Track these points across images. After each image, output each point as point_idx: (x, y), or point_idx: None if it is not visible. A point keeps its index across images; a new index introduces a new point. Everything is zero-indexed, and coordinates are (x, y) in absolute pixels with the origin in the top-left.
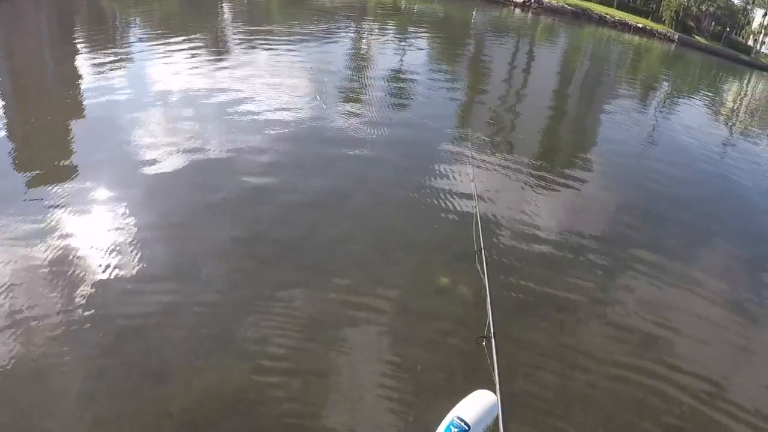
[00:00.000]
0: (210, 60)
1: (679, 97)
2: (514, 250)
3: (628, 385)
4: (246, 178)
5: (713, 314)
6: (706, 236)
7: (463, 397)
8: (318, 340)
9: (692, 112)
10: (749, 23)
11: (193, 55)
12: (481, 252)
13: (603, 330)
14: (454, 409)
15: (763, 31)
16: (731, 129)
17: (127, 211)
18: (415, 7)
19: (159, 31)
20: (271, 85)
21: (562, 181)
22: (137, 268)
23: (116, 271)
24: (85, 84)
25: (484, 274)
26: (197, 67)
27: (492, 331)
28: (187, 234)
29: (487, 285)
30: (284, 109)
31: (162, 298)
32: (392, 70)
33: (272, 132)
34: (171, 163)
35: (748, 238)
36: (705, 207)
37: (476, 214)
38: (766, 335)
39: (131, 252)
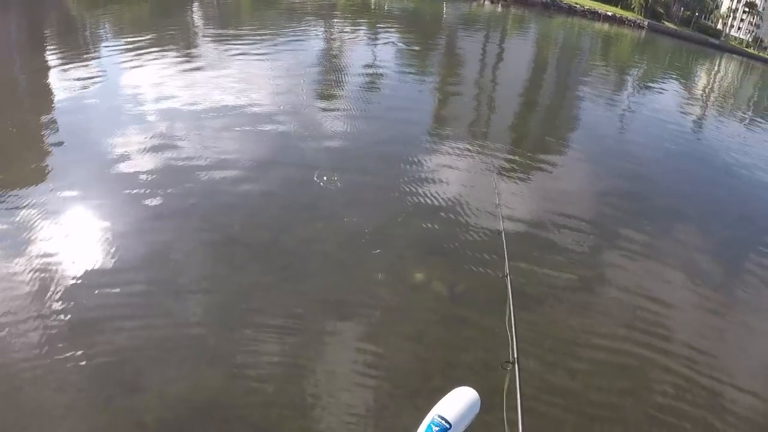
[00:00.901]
0: (181, 63)
1: (652, 83)
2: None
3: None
4: (217, 182)
5: (702, 293)
6: (695, 219)
7: (444, 394)
8: (292, 344)
9: (666, 96)
10: (718, 7)
11: (164, 58)
12: (507, 277)
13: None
14: (435, 407)
15: (731, 14)
16: (704, 111)
17: (97, 219)
18: (386, 4)
19: (129, 35)
20: (242, 86)
21: (544, 167)
22: (107, 277)
23: (85, 280)
24: (54, 90)
25: (509, 300)
26: (168, 70)
27: (516, 356)
28: (157, 242)
29: (512, 310)
30: (256, 111)
31: (133, 308)
32: (364, 67)
33: (243, 134)
34: (140, 168)
35: (728, 222)
36: (684, 193)
37: (503, 238)
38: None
39: (100, 260)
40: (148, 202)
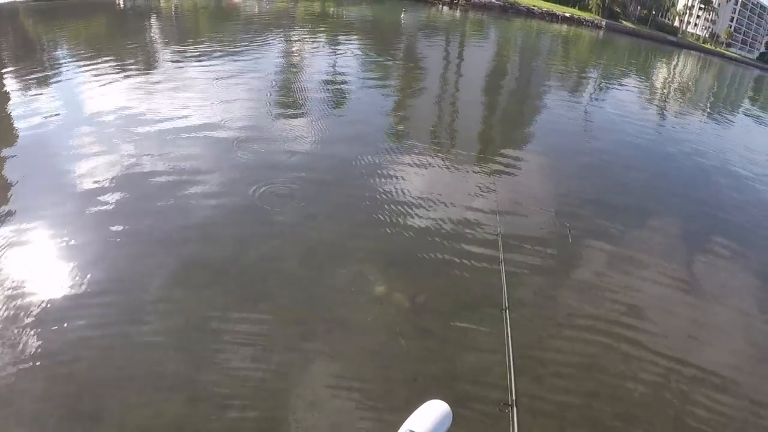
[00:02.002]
0: (139, 78)
1: (612, 81)
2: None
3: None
4: (174, 200)
5: (668, 290)
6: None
7: (412, 408)
8: (253, 366)
9: (626, 93)
10: (674, 5)
11: (122, 74)
12: (506, 311)
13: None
14: (406, 422)
15: (688, 11)
16: (664, 107)
17: (49, 244)
18: (344, 12)
19: (87, 52)
20: (202, 100)
21: (501, 174)
22: (61, 304)
23: (38, 309)
24: (12, 109)
25: (507, 335)
26: (126, 86)
27: (515, 397)
28: (113, 266)
29: (510, 347)
30: (215, 126)
31: (90, 335)
32: (324, 76)
33: (201, 150)
34: (95, 188)
35: (694, 215)
36: (651, 188)
37: (502, 270)
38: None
39: (53, 288)
40: (103, 224)
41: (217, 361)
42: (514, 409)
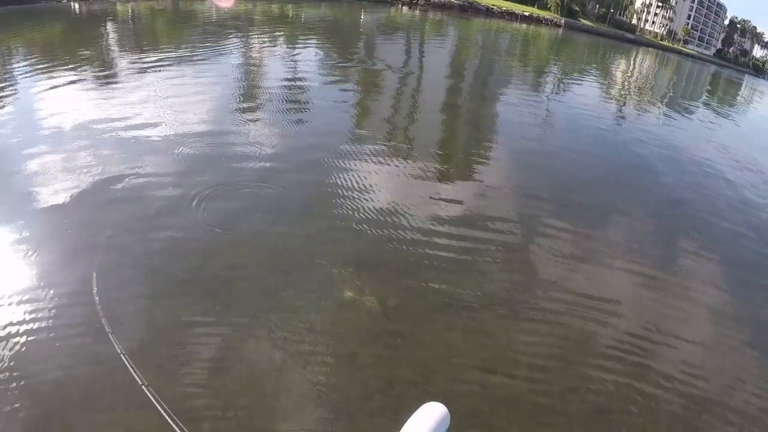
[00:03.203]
0: (99, 86)
1: (571, 78)
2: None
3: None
4: (134, 210)
5: (632, 283)
6: (617, 209)
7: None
8: (222, 378)
9: (584, 90)
10: (632, 3)
11: (82, 82)
12: None
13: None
14: (403, 427)
15: (645, 9)
16: (624, 103)
17: (8, 257)
18: (303, 14)
19: (43, 60)
20: (161, 106)
21: (465, 173)
22: (23, 323)
23: (5, 329)
24: None
25: None
26: (84, 93)
27: None
28: (76, 280)
29: None
30: (175, 132)
31: (55, 354)
32: (284, 79)
33: (161, 157)
34: (55, 199)
35: (657, 209)
36: (612, 179)
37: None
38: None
39: (15, 303)
40: (63, 238)
41: (186, 373)
42: None
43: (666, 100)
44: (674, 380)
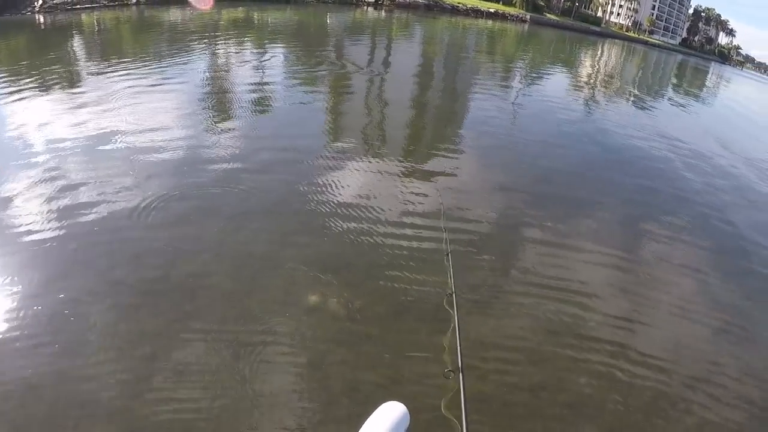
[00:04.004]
0: (63, 97)
1: (539, 73)
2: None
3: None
4: (97, 221)
5: (606, 272)
6: (589, 203)
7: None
8: (187, 390)
9: (553, 84)
10: None
11: (45, 93)
12: (452, 295)
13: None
14: (363, 426)
15: (610, 2)
16: (592, 95)
17: None
18: (269, 18)
19: (6, 72)
20: (128, 116)
21: (433, 169)
22: None
23: None
24: None
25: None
26: (50, 105)
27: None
28: (37, 294)
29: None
30: (141, 142)
31: (17, 372)
32: (252, 84)
33: (124, 167)
34: (16, 212)
35: (626, 197)
36: (582, 169)
37: (448, 252)
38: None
39: None
40: (22, 251)
41: (151, 387)
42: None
43: (633, 90)
44: (648, 369)
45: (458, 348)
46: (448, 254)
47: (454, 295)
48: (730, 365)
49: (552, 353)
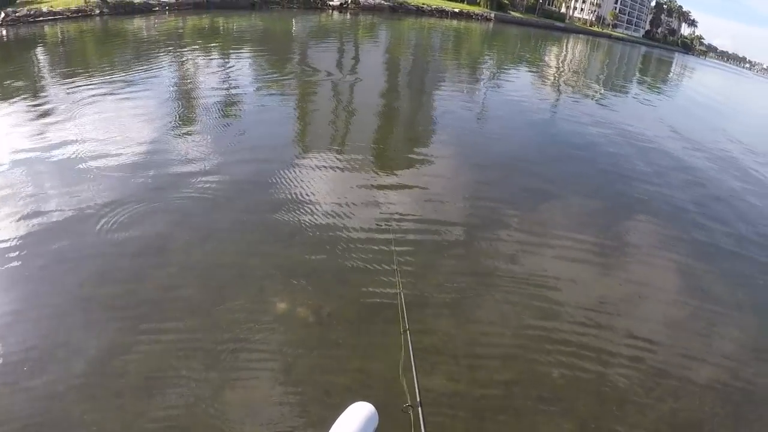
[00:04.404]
0: (30, 111)
1: (506, 70)
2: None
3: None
4: (65, 236)
5: (573, 264)
6: (557, 196)
7: (326, 422)
8: (159, 403)
9: (520, 79)
10: None
11: (10, 107)
12: (407, 333)
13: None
14: (333, 426)
15: None
16: (559, 88)
17: None
18: (234, 26)
19: None
20: (96, 129)
21: (410, 172)
22: None
23: None
24: None
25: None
26: (15, 120)
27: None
28: (6, 312)
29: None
30: (107, 156)
31: None
32: (220, 93)
33: (91, 182)
34: None
35: (593, 188)
36: (550, 169)
37: (400, 292)
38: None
39: None
40: None
41: (121, 403)
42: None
43: (599, 83)
44: (621, 358)
45: (416, 384)
46: (400, 292)
47: (408, 332)
48: (701, 351)
49: (523, 348)
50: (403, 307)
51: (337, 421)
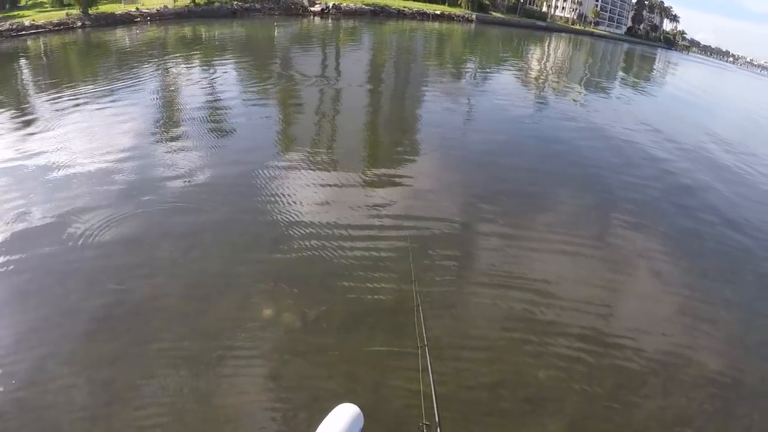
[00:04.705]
0: (14, 125)
1: (489, 71)
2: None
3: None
4: (50, 249)
5: (558, 263)
6: (550, 194)
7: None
8: (148, 412)
9: (504, 80)
10: None
11: None
12: (425, 348)
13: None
14: (318, 428)
15: None
16: (543, 88)
17: None
18: (216, 34)
19: None
20: (81, 142)
21: (386, 176)
22: None
23: None
24: None
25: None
26: (2, 136)
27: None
28: None
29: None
30: (94, 167)
31: None
32: (204, 102)
33: (77, 195)
34: None
35: (581, 185)
36: (536, 164)
37: (416, 302)
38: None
39: None
40: None
41: (111, 413)
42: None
43: (583, 82)
44: (608, 358)
45: (434, 400)
46: (417, 305)
47: (426, 347)
48: (688, 347)
49: (509, 349)
50: (422, 322)
51: (323, 422)
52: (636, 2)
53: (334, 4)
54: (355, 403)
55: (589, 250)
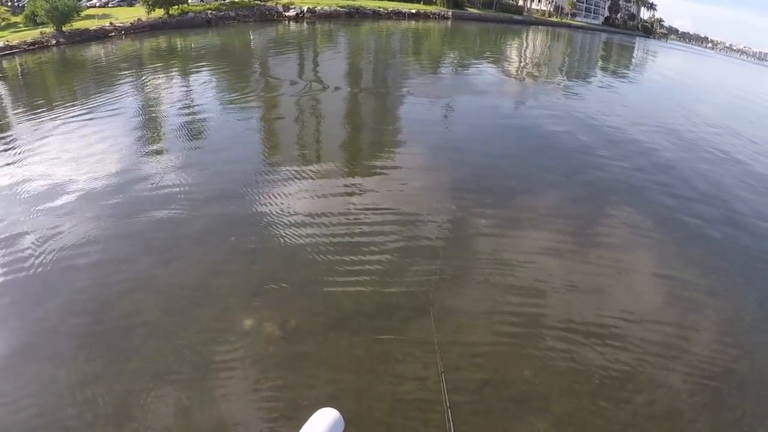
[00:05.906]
0: None
1: (468, 66)
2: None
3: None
4: (28, 270)
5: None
6: (536, 186)
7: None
8: (131, 429)
9: (484, 75)
10: None
11: None
12: (442, 376)
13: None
14: None
15: None
16: (523, 81)
17: None
18: (192, 44)
19: None
20: (61, 161)
21: (368, 179)
22: None
23: None
24: None
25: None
26: None
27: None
28: None
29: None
30: (68, 179)
31: None
32: (183, 113)
33: (56, 214)
34: None
35: (569, 177)
36: (521, 157)
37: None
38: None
39: None
40: None
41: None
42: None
43: (564, 73)
44: (595, 353)
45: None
46: (441, 373)
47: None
48: (676, 339)
49: (494, 348)
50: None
51: (302, 428)
52: None
53: (308, 7)
54: (336, 409)
55: (572, 246)
